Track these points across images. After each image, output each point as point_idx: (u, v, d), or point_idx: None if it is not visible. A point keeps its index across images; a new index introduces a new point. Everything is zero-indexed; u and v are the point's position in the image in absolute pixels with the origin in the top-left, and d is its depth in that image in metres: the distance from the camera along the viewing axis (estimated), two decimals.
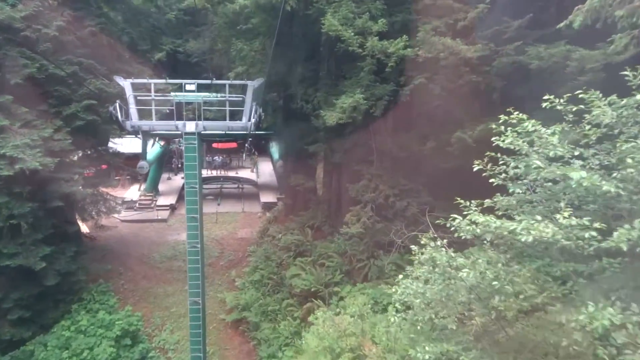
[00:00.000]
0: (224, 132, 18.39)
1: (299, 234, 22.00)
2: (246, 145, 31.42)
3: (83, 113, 19.32)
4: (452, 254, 7.37)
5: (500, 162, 7.94)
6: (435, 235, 13.62)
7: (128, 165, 31.39)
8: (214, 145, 42.19)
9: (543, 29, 13.93)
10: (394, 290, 8.74)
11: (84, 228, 26.86)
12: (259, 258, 22.89)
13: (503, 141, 7.51)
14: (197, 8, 22.45)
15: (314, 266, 19.47)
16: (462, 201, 7.87)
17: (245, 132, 16.27)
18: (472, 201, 7.81)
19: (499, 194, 8.05)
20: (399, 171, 17.49)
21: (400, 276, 8.86)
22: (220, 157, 41.36)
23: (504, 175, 7.85)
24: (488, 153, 8.08)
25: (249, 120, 15.21)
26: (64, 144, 18.30)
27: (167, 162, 40.11)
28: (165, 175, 39.21)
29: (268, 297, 20.22)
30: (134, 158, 30.33)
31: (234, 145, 42.70)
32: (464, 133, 13.82)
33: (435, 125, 15.96)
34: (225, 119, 15.49)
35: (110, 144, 25.29)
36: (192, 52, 26.01)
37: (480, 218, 6.87)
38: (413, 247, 8.67)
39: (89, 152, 22.68)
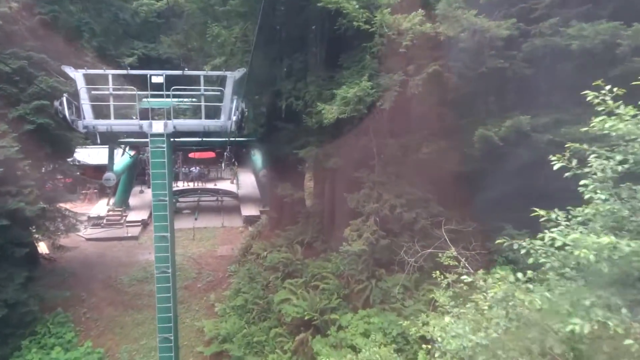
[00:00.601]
0: (199, 138, 15.89)
1: (287, 251, 19.39)
2: (225, 153, 28.74)
3: (33, 115, 16.52)
4: (547, 295, 4.89)
5: (593, 156, 5.58)
6: (455, 253, 11.20)
7: (95, 178, 28.59)
8: (191, 155, 39.44)
9: (575, 7, 11.79)
10: (438, 336, 6.25)
11: (43, 248, 23.81)
12: (242, 279, 20.18)
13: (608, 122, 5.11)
14: (171, 7, 19.97)
15: (306, 289, 16.87)
16: (542, 212, 5.46)
17: (224, 135, 13.80)
18: (558, 212, 5.42)
19: (585, 205, 5.61)
20: (404, 178, 15.11)
21: (447, 318, 6.38)
22: (197, 168, 38.48)
23: (599, 174, 5.47)
24: (569, 144, 5.72)
25: (229, 118, 12.71)
26: (10, 152, 15.48)
27: (139, 173, 37.14)
28: (137, 189, 36.25)
29: (253, 326, 17.48)
30: (102, 169, 27.41)
31: (212, 155, 40.00)
32: (489, 130, 11.50)
33: (450, 122, 13.68)
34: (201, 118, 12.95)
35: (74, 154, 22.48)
36: (162, 49, 23.31)
37: (593, 238, 4.45)
38: (465, 278, 6.21)
39: (44, 162, 19.72)
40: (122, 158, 28.76)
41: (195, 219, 30.77)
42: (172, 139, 12.96)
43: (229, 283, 21.85)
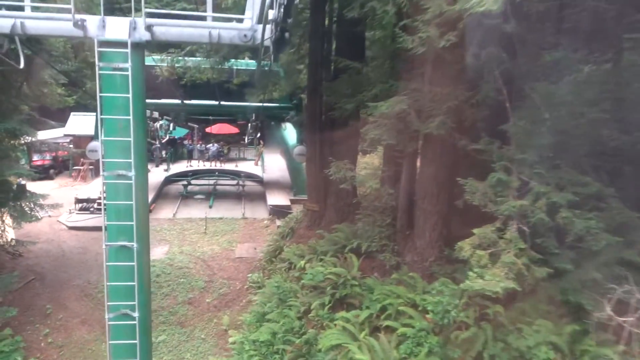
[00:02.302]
0: (216, 101, 9.57)
1: (337, 263, 12.99)
2: (251, 121, 22.51)
3: None
4: None
5: None
6: None
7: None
8: (208, 130, 33.48)
9: None
10: None
11: (11, 234, 18.04)
12: (268, 298, 13.96)
13: None
14: None
15: (372, 331, 10.51)
16: None
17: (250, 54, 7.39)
18: None
19: None
20: (564, 155, 8.50)
21: None
22: (216, 145, 32.28)
23: None
24: None
25: (261, 19, 6.36)
26: None
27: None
28: None
29: None
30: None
31: (235, 130, 34.03)
32: None
33: None
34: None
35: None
36: None
37: None
38: None
39: None
40: None
41: (210, 207, 24.72)
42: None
43: (249, 300, 15.70)
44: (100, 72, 6.08)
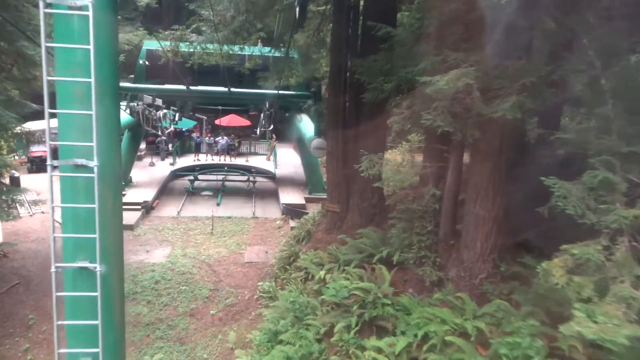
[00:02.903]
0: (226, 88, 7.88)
1: (364, 277, 10.96)
2: (264, 112, 20.51)
3: None
4: None
5: None
6: None
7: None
8: (218, 121, 31.66)
9: None
10: None
11: None
12: (281, 314, 11.95)
13: None
14: None
15: None
16: None
17: None
18: None
19: None
20: None
21: None
22: (225, 138, 30.40)
23: None
24: None
25: None
26: None
27: (148, 140, 29.59)
28: (147, 160, 28.78)
29: None
30: None
31: (246, 122, 32.21)
32: None
33: None
34: None
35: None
36: None
37: None
38: None
39: None
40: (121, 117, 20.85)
41: (218, 205, 22.86)
42: None
43: (259, 314, 13.72)
44: (47, 11, 4.07)
